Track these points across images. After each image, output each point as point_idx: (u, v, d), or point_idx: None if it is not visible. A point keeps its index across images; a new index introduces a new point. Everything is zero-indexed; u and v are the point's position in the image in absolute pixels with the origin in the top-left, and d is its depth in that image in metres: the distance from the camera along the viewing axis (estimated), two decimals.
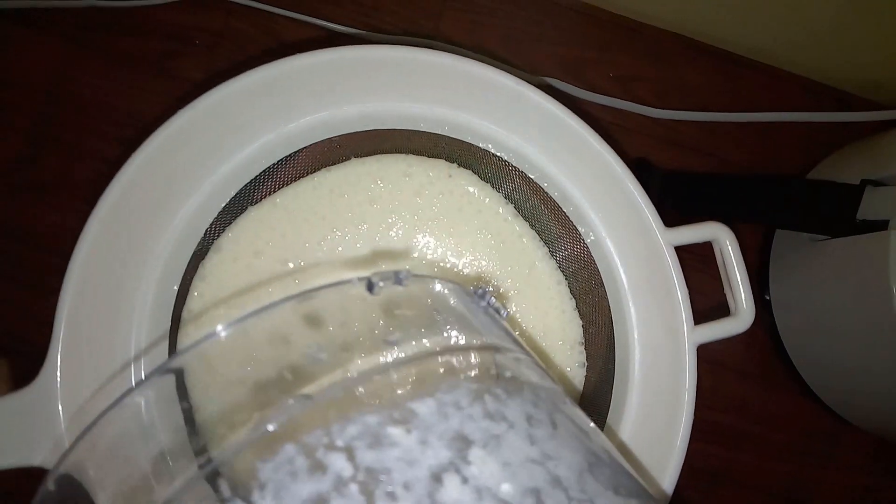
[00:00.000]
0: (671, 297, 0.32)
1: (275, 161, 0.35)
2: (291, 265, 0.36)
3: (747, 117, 0.50)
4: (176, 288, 0.34)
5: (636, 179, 0.32)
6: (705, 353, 0.48)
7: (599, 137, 0.32)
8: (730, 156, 0.51)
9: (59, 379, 0.30)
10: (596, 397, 0.36)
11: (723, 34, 0.51)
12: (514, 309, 0.37)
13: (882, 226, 0.38)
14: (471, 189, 0.38)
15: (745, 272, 0.32)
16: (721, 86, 0.52)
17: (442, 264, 0.37)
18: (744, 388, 0.51)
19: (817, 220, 0.43)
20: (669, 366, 0.33)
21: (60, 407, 0.30)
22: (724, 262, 0.32)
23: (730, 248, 0.32)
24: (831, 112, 0.51)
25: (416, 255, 0.37)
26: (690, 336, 0.32)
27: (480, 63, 0.33)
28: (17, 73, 0.47)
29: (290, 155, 0.36)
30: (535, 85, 0.33)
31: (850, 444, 0.51)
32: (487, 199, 0.38)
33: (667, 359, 0.33)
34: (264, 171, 0.35)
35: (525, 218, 0.38)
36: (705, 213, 0.37)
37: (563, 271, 0.37)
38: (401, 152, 0.37)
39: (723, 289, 0.34)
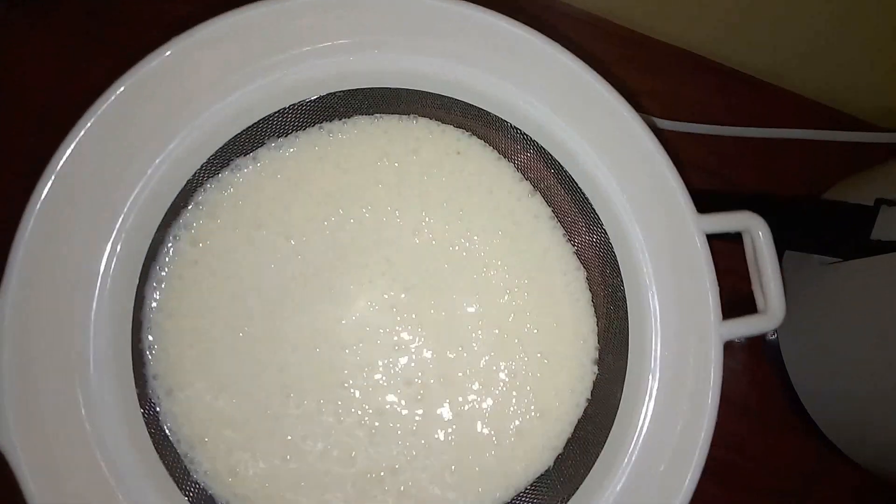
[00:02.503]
0: (700, 287, 0.30)
1: (271, 112, 0.33)
2: (293, 242, 0.33)
3: (756, 132, 0.49)
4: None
5: (669, 159, 0.30)
6: None
7: (631, 107, 0.30)
8: (736, 175, 0.49)
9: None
10: (608, 396, 0.34)
11: (729, 52, 0.50)
12: (525, 297, 0.35)
13: None
14: (481, 167, 0.35)
15: (778, 266, 0.30)
16: (727, 104, 0.50)
17: (451, 248, 0.34)
18: (744, 425, 0.47)
19: (829, 241, 0.40)
20: (692, 362, 0.30)
21: None
22: (755, 254, 0.30)
23: (763, 239, 0.30)
24: (843, 131, 0.49)
25: (422, 238, 0.34)
26: (718, 330, 0.30)
27: (501, 15, 0.30)
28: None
29: (286, 107, 0.33)
30: None
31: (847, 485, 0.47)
32: (499, 179, 0.35)
33: (690, 354, 0.30)
34: (258, 121, 0.33)
35: (540, 198, 0.35)
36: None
37: (578, 257, 0.35)
38: (409, 114, 0.35)
39: (737, 285, 0.32)
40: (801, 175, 0.50)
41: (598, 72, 0.30)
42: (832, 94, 0.51)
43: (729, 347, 0.46)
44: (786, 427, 0.47)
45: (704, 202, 0.39)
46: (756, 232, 0.30)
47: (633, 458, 0.31)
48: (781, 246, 0.45)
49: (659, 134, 0.47)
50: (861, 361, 0.39)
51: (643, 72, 0.49)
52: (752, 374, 0.47)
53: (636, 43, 0.50)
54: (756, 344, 0.47)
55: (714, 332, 0.30)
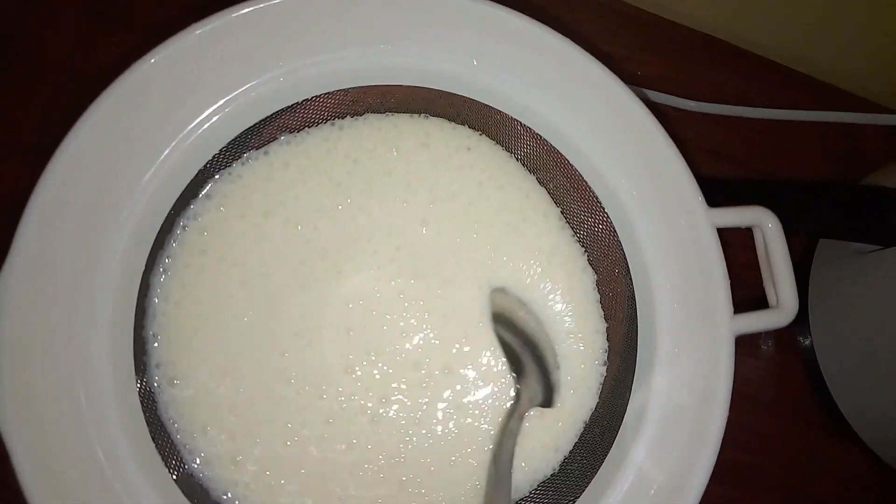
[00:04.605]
0: (710, 281, 0.30)
1: (282, 107, 0.33)
2: (300, 228, 0.33)
3: (784, 114, 0.48)
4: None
5: (679, 152, 0.30)
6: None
7: (639, 100, 0.30)
8: (764, 163, 0.48)
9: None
10: (614, 396, 0.33)
11: (757, 38, 0.50)
12: (533, 295, 0.34)
13: None
14: (491, 164, 0.36)
15: (790, 261, 0.30)
16: (755, 90, 0.49)
17: (457, 240, 0.34)
18: (775, 427, 0.45)
19: (869, 228, 0.38)
20: (704, 358, 0.30)
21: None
22: (766, 249, 0.30)
23: (775, 234, 0.30)
24: (880, 114, 0.49)
25: (430, 230, 0.34)
26: (730, 325, 0.29)
27: (507, 9, 0.31)
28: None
29: (300, 102, 0.33)
30: None
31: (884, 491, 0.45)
32: (508, 176, 0.35)
33: (701, 351, 0.30)
34: (269, 116, 0.33)
35: (549, 197, 0.35)
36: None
37: (587, 258, 0.35)
38: (420, 113, 0.35)
39: (748, 281, 0.31)
40: (835, 162, 0.49)
41: (610, 62, 0.30)
42: (865, 86, 0.51)
43: (758, 348, 0.45)
44: (819, 430, 0.45)
45: (729, 191, 0.37)
46: (768, 226, 0.30)
47: (642, 458, 0.30)
48: (817, 234, 0.44)
49: (679, 121, 0.47)
50: None
51: (664, 56, 0.49)
52: (784, 375, 0.45)
53: (663, 29, 0.50)
54: (787, 343, 0.45)
55: (726, 327, 0.29)
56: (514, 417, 0.31)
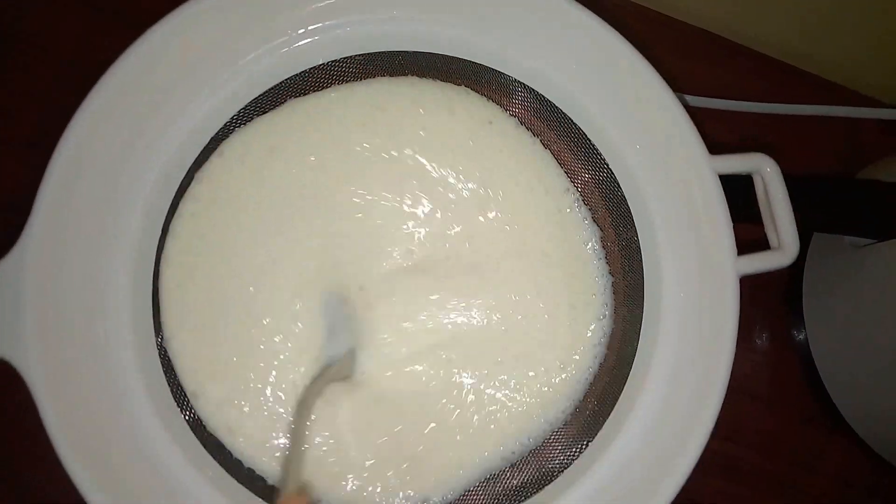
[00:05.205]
0: (714, 224, 0.30)
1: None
2: (313, 158, 0.34)
3: (781, 109, 0.49)
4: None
5: (680, 103, 0.31)
6: None
7: (639, 54, 0.32)
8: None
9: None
10: (623, 345, 0.34)
11: (755, 32, 0.50)
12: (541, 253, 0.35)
13: None
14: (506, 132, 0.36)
15: (790, 203, 0.31)
16: (751, 85, 0.50)
17: (464, 194, 0.35)
18: (770, 421, 0.45)
19: (863, 222, 0.38)
20: (709, 299, 0.30)
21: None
22: (767, 193, 0.31)
23: (774, 178, 0.31)
24: (869, 108, 0.49)
25: (446, 184, 0.35)
26: (735, 265, 0.30)
27: None
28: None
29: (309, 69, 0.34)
30: None
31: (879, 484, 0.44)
32: (504, 129, 0.36)
33: (706, 292, 0.31)
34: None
35: (554, 157, 0.36)
36: (740, 218, 0.32)
37: (591, 212, 0.36)
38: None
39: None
40: (832, 156, 0.49)
41: None
42: (866, 83, 0.51)
43: (753, 342, 0.46)
44: (814, 423, 0.45)
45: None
46: (766, 170, 0.31)
47: (653, 401, 0.30)
48: (811, 228, 0.43)
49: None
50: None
51: (663, 51, 0.48)
52: (779, 369, 0.45)
53: (661, 25, 0.50)
54: (781, 337, 0.46)
55: (730, 267, 0.30)
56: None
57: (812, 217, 0.38)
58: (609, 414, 0.32)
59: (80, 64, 0.41)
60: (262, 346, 0.32)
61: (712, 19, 0.51)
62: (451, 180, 0.35)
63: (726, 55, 0.51)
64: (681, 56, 0.50)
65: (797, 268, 0.45)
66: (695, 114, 0.47)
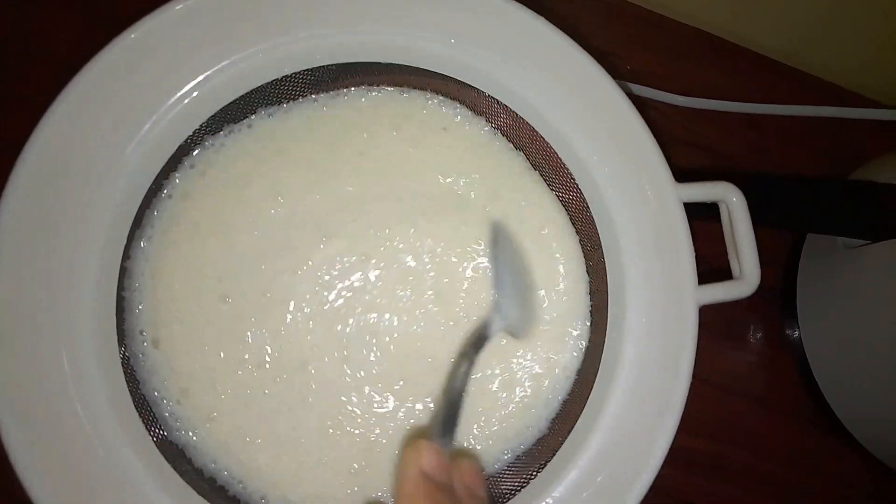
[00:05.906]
0: (676, 253, 0.31)
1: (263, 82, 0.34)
2: (282, 199, 0.34)
3: (774, 109, 0.49)
4: None
5: (649, 129, 0.31)
6: (717, 378, 0.45)
7: (610, 78, 0.31)
8: (754, 158, 0.49)
9: None
10: (587, 368, 0.34)
11: (747, 32, 0.50)
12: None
13: None
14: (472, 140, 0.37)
15: (753, 234, 0.31)
16: (743, 86, 0.50)
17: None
18: (765, 421, 0.45)
19: (857, 223, 0.39)
20: (669, 327, 0.30)
21: None
22: (731, 222, 0.31)
23: (739, 208, 0.31)
24: (863, 108, 0.50)
25: (404, 202, 0.35)
26: (694, 295, 0.30)
27: None
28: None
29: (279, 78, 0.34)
30: None
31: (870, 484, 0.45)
32: (493, 146, 0.36)
33: (667, 320, 0.31)
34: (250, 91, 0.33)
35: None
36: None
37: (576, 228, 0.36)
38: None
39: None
40: (819, 158, 0.49)
41: (598, 56, 0.31)
42: (852, 79, 0.51)
43: (747, 342, 0.46)
44: (808, 422, 0.45)
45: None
46: (732, 200, 0.31)
47: (609, 425, 0.31)
48: (805, 229, 0.45)
49: (667, 116, 0.47)
50: (890, 351, 0.37)
51: (655, 52, 0.50)
52: (773, 370, 0.46)
53: (652, 24, 0.50)
54: (776, 336, 0.46)
55: (690, 296, 0.30)
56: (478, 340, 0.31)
57: (806, 218, 0.40)
58: (567, 435, 0.32)
59: (75, 69, 0.42)
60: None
61: (707, 20, 0.51)
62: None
63: (720, 55, 0.51)
64: (675, 56, 0.50)
65: (791, 268, 0.45)
66: (688, 114, 0.48)
